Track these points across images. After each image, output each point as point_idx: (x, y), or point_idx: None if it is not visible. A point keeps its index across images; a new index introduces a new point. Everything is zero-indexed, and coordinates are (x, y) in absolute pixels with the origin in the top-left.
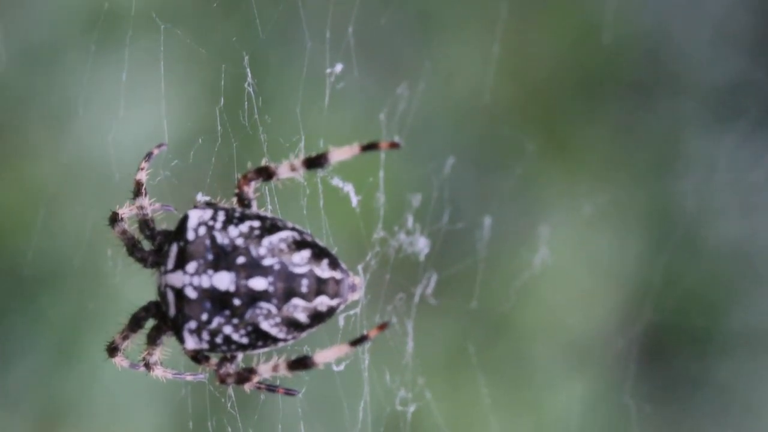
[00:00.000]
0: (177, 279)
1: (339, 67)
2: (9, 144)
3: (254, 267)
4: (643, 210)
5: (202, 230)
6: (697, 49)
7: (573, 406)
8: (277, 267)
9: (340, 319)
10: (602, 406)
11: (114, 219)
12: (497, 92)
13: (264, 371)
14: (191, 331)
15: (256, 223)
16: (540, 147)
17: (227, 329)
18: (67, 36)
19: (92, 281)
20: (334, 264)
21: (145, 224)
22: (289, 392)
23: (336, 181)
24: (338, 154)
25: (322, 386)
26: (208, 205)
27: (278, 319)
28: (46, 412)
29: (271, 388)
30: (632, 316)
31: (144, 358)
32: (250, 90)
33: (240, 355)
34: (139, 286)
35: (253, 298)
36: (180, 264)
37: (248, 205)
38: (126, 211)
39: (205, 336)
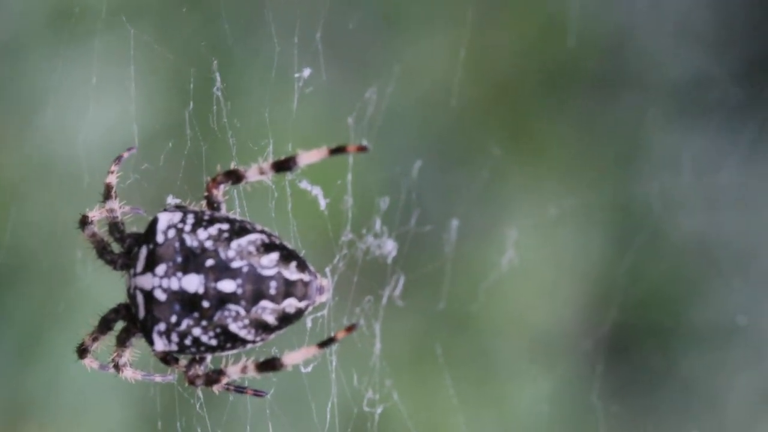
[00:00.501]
0: (146, 281)
1: (307, 72)
2: None
3: (223, 269)
4: (608, 207)
5: (172, 233)
6: (660, 46)
7: (539, 402)
8: (245, 269)
9: (308, 321)
10: (568, 403)
11: (84, 222)
12: (463, 92)
13: (233, 373)
14: (160, 333)
15: (225, 226)
16: (506, 145)
17: (196, 331)
18: (33, 32)
19: (59, 280)
20: (302, 266)
21: (114, 227)
22: (257, 393)
23: (304, 184)
24: (307, 158)
25: (290, 387)
26: (178, 207)
27: (247, 321)
28: (10, 410)
29: (240, 390)
30: (597, 313)
31: (113, 360)
32: (219, 94)
33: (209, 357)
34: (108, 287)
35: (222, 300)
36: (149, 266)
37: (217, 208)
38: (96, 214)
39: (174, 338)
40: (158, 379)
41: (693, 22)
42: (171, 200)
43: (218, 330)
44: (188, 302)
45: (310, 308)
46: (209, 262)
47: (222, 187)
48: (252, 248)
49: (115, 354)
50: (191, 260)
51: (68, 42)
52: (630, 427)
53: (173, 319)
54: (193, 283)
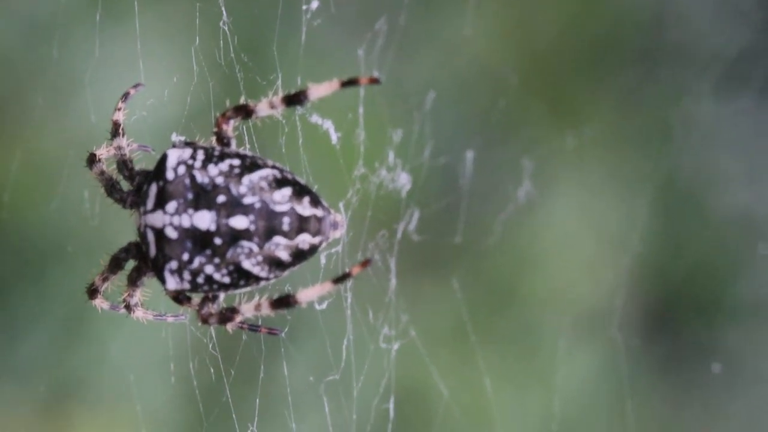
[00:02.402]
0: (157, 219)
1: (315, 4)
2: (17, 119)
3: (235, 205)
4: (650, 180)
5: (182, 169)
6: (702, 18)
7: (578, 377)
8: (258, 205)
9: (322, 258)
10: (610, 379)
11: (92, 160)
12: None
13: (246, 311)
14: (172, 272)
15: (236, 162)
16: (543, 116)
17: (209, 269)
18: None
19: (102, 258)
20: (315, 201)
21: (123, 165)
22: (271, 332)
23: (315, 119)
24: (318, 91)
25: (304, 325)
26: (187, 144)
27: (260, 258)
28: (55, 387)
29: (254, 328)
30: (640, 287)
31: (124, 300)
32: (226, 29)
33: (222, 295)
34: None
35: (235, 237)
36: (160, 204)
37: (227, 144)
38: (104, 152)
39: (187, 276)
40: (170, 319)
41: None
42: (175, 137)
43: (231, 267)
44: (200, 239)
45: (324, 244)
46: (221, 199)
47: (232, 122)
48: (264, 184)
49: (126, 294)
50: (202, 197)
51: None
52: (677, 401)
53: (185, 256)
54: (204, 219)
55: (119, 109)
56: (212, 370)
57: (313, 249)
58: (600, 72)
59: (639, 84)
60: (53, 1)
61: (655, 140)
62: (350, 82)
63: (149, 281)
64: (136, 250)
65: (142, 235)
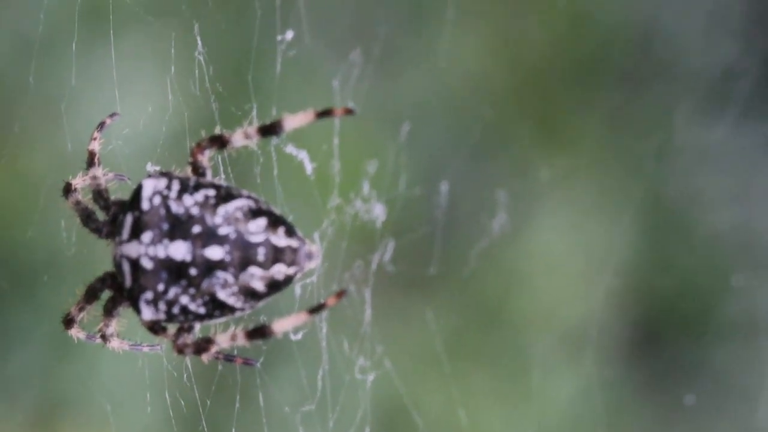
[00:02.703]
0: (132, 249)
1: (290, 35)
2: (3, 134)
3: (210, 236)
4: (637, 197)
5: (157, 199)
6: (689, 36)
7: (565, 395)
8: (233, 236)
9: (297, 288)
10: (598, 398)
11: (67, 189)
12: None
13: (222, 341)
14: (148, 302)
15: (211, 192)
16: (531, 135)
17: (184, 299)
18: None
19: (90, 274)
20: (290, 232)
21: (99, 194)
22: (247, 362)
23: (290, 149)
24: (293, 121)
25: (280, 356)
26: (163, 174)
27: (235, 289)
28: (42, 405)
29: (230, 358)
30: (628, 305)
31: (100, 330)
32: (201, 59)
33: (197, 326)
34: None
35: (210, 267)
36: (135, 234)
37: (203, 174)
38: (79, 182)
39: (162, 306)
40: (146, 349)
41: (722, 12)
42: (151, 167)
43: (206, 298)
44: (175, 270)
45: (299, 274)
46: (196, 229)
47: (207, 152)
48: (239, 214)
49: (102, 324)
50: (178, 227)
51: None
52: (662, 421)
53: (160, 287)
54: (180, 250)
55: (95, 139)
56: (185, 402)
57: (288, 279)
58: (587, 92)
59: (626, 103)
60: (31, 29)
61: (642, 159)
62: (325, 113)
63: (125, 311)
64: (112, 280)
65: (118, 265)
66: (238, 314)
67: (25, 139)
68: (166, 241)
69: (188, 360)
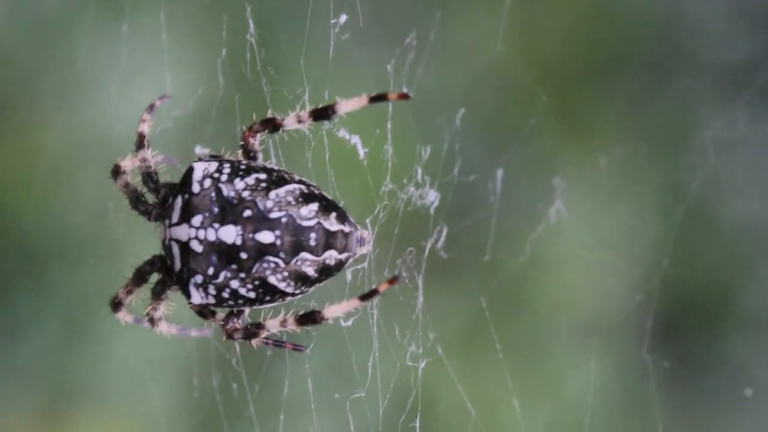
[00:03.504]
0: (182, 232)
1: (344, 18)
2: (19, 116)
3: (261, 220)
4: (660, 189)
5: (208, 183)
6: (713, 26)
7: (587, 386)
8: (284, 220)
9: (348, 274)
10: (619, 389)
11: (116, 171)
12: (509, 61)
13: (272, 326)
14: (197, 286)
15: (263, 176)
16: (553, 126)
17: (234, 283)
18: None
19: (108, 259)
20: (342, 217)
21: (148, 177)
22: (296, 348)
23: (342, 134)
24: (346, 106)
25: (330, 342)
26: (213, 157)
27: (286, 273)
28: (57, 390)
29: (279, 344)
30: (649, 297)
31: (148, 313)
32: (252, 41)
33: (247, 310)
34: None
35: (261, 251)
36: (185, 217)
37: (254, 158)
38: (128, 164)
39: (212, 290)
40: (194, 333)
41: (745, 1)
42: (199, 150)
43: (257, 282)
44: (226, 254)
45: (350, 260)
46: (247, 213)
47: (258, 136)
48: (291, 198)
49: (150, 307)
50: (228, 211)
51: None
52: (682, 412)
53: (210, 271)
54: (230, 234)
55: (144, 121)
56: (235, 387)
57: (340, 265)
58: (609, 81)
59: (648, 93)
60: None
61: (665, 149)
62: (379, 98)
63: (173, 295)
64: (161, 263)
65: (167, 249)
66: (288, 299)
67: (71, 120)
68: (216, 224)
69: (237, 345)
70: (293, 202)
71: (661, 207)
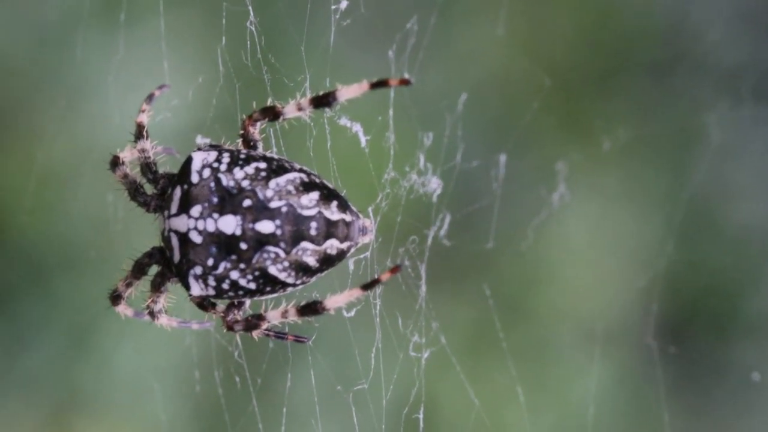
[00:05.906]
0: (181, 223)
1: (344, 4)
2: (19, 126)
3: (261, 210)
4: (665, 193)
5: (207, 172)
6: (718, 28)
7: (591, 390)
8: (285, 209)
9: (350, 263)
10: (626, 393)
11: (115, 162)
12: (511, 47)
13: (273, 317)
14: (197, 277)
15: (263, 165)
16: (557, 127)
17: (234, 274)
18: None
19: (110, 268)
20: (343, 206)
21: (147, 167)
22: (298, 339)
23: (344, 121)
24: (347, 92)
25: (332, 333)
26: (212, 146)
27: (287, 264)
28: (60, 398)
29: (280, 336)
30: (655, 301)
31: (148, 306)
32: (252, 29)
33: (248, 302)
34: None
35: (261, 242)
36: (184, 207)
37: (254, 147)
38: (127, 154)
39: (212, 282)
40: (195, 326)
41: (749, 4)
42: (200, 140)
43: (257, 273)
44: (225, 244)
45: (352, 249)
46: (247, 203)
47: (258, 124)
48: (291, 187)
49: (150, 300)
50: (228, 200)
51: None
52: (689, 417)
53: (210, 262)
54: (230, 224)
55: (143, 111)
56: (238, 379)
57: (342, 254)
58: (616, 85)
59: (653, 96)
60: (76, 1)
61: (672, 154)
62: (380, 84)
63: (173, 287)
64: (160, 255)
65: (166, 240)
66: (289, 290)
67: (71, 114)
68: (215, 214)
69: (238, 337)
70: (293, 191)
71: (665, 210)
